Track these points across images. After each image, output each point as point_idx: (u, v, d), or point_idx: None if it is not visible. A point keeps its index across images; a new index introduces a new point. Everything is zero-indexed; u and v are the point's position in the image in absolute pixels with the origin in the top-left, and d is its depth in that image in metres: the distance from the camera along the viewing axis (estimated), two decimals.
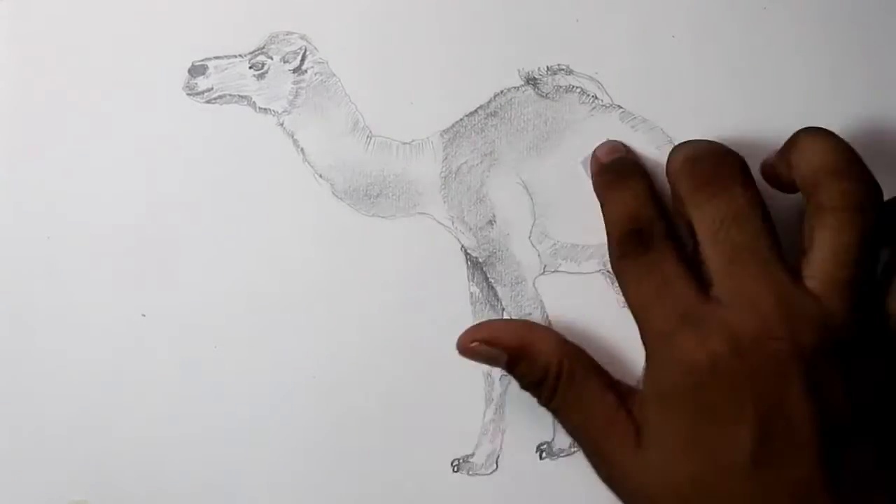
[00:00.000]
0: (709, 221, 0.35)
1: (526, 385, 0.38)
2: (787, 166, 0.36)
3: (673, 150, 0.38)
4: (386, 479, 0.42)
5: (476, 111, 0.42)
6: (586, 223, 0.42)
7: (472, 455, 0.42)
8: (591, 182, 0.41)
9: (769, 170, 0.38)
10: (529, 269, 0.42)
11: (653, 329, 0.35)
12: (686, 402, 0.33)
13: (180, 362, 0.42)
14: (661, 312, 0.35)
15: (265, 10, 0.43)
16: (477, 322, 0.40)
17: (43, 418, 0.42)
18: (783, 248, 0.35)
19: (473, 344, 0.38)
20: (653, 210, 0.37)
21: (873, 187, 0.34)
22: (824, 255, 0.33)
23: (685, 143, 0.39)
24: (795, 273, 0.34)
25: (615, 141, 0.41)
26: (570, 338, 0.40)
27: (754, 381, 0.32)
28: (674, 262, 0.35)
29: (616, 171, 0.40)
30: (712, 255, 0.34)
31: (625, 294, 0.37)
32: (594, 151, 0.41)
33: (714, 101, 0.42)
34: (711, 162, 0.36)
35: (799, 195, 0.37)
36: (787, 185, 0.37)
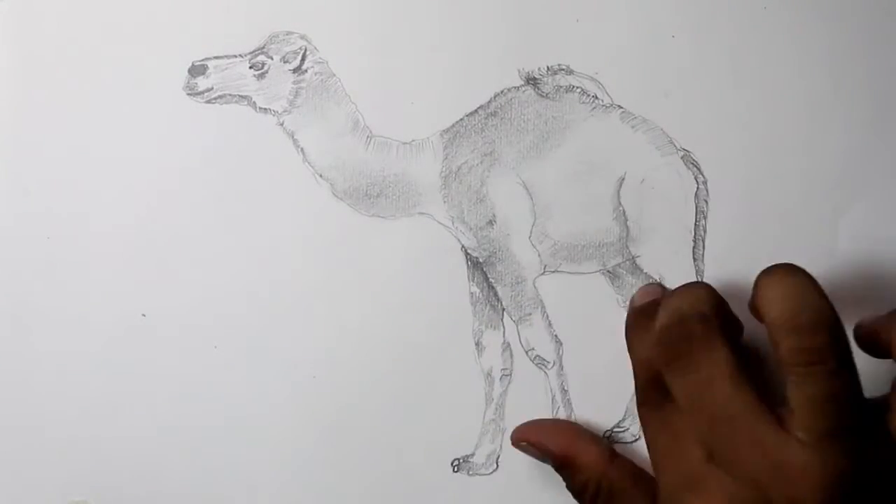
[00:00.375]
0: (685, 396, 0.35)
1: (569, 488, 0.39)
2: (879, 334, 0.36)
3: (661, 306, 0.37)
4: (386, 479, 0.42)
5: (476, 111, 0.42)
6: (586, 223, 0.42)
7: (472, 455, 0.42)
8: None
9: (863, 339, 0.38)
10: (529, 269, 0.42)
11: (663, 485, 0.36)
12: None
13: (180, 362, 0.42)
14: (671, 470, 0.35)
15: (265, 10, 0.43)
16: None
17: (43, 418, 0.42)
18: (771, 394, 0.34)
19: (522, 444, 0.40)
20: None
21: (830, 336, 0.33)
22: (799, 409, 0.33)
23: (666, 299, 0.37)
24: (782, 422, 0.33)
25: (653, 285, 0.41)
26: (570, 337, 0.40)
27: None
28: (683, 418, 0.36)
29: (647, 314, 0.38)
30: (697, 425, 0.34)
31: (646, 440, 0.38)
32: (632, 296, 0.40)
33: (714, 100, 0.42)
34: (678, 332, 0.35)
35: None
36: (880, 352, 0.37)
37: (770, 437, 0.33)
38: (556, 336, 0.42)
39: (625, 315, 0.40)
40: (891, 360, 0.36)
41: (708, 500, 0.33)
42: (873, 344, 0.37)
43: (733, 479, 0.33)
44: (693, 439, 0.35)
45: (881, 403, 0.35)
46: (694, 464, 0.34)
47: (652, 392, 0.37)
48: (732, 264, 0.42)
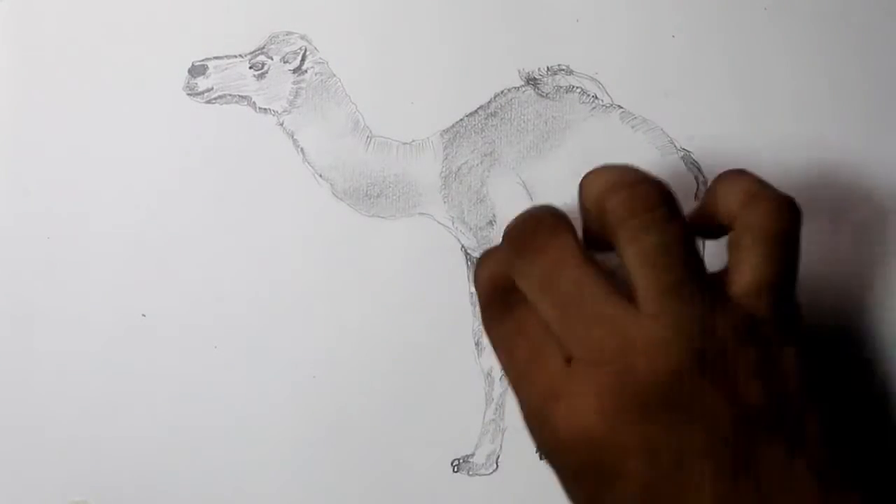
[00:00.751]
0: (536, 284, 0.34)
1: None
2: (711, 209, 0.36)
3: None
4: (386, 479, 0.42)
5: (476, 111, 0.42)
6: None
7: (472, 455, 0.42)
8: None
9: (695, 222, 0.37)
10: None
11: (526, 402, 0.34)
12: (573, 475, 0.33)
13: (180, 362, 0.42)
14: (531, 382, 0.34)
15: (265, 10, 0.43)
16: (477, 322, 0.40)
17: (43, 418, 0.42)
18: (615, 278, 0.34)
19: None
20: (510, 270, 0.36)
21: (655, 187, 0.33)
22: (635, 269, 0.33)
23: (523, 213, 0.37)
24: (630, 300, 0.33)
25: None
26: None
27: (627, 436, 0.32)
28: (536, 322, 0.35)
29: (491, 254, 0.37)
30: (550, 314, 0.34)
31: (501, 363, 0.36)
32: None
33: (714, 101, 0.42)
34: (526, 224, 0.35)
35: None
36: (714, 230, 0.37)
37: (619, 312, 0.32)
38: None
39: None
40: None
41: (572, 403, 0.32)
42: (708, 221, 0.36)
43: (593, 370, 0.32)
44: (548, 343, 0.34)
45: (719, 274, 0.35)
46: (553, 371, 0.33)
47: (498, 304, 0.36)
48: None
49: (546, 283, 0.34)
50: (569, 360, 0.33)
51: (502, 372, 0.39)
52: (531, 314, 0.34)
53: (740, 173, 0.36)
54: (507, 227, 0.36)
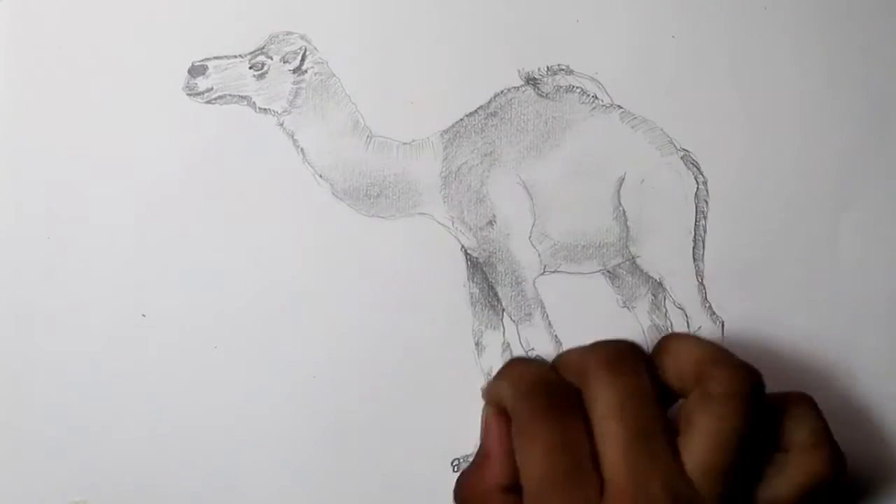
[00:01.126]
0: (616, 397, 0.34)
1: None
2: (662, 377, 0.36)
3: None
4: (386, 479, 0.42)
5: (476, 111, 0.42)
6: (586, 223, 0.42)
7: (472, 455, 0.42)
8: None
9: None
10: (529, 269, 0.42)
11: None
12: None
13: (180, 362, 0.42)
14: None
15: (265, 10, 0.43)
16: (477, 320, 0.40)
17: (43, 418, 0.42)
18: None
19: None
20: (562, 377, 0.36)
21: (756, 373, 0.34)
22: (705, 441, 0.33)
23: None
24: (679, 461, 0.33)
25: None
26: (570, 337, 0.40)
27: None
28: (584, 439, 0.34)
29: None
30: (615, 431, 0.34)
31: (523, 462, 0.34)
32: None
33: (714, 101, 0.42)
34: (617, 348, 0.35)
35: None
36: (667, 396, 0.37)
37: (675, 465, 0.33)
38: (556, 336, 0.42)
39: (625, 315, 0.40)
40: None
41: None
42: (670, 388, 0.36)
43: (630, 498, 0.33)
44: (589, 464, 0.33)
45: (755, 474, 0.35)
46: (589, 498, 0.33)
47: (548, 403, 0.35)
48: (732, 264, 0.42)
49: (623, 408, 0.34)
50: (600, 489, 0.33)
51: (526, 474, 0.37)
52: (581, 429, 0.34)
53: (694, 338, 0.36)
54: (593, 345, 0.36)
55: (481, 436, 0.37)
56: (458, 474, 0.37)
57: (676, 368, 0.35)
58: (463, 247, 0.42)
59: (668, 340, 0.36)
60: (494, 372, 0.42)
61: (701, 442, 0.33)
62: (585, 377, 0.34)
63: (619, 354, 0.35)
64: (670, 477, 0.33)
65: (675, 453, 0.33)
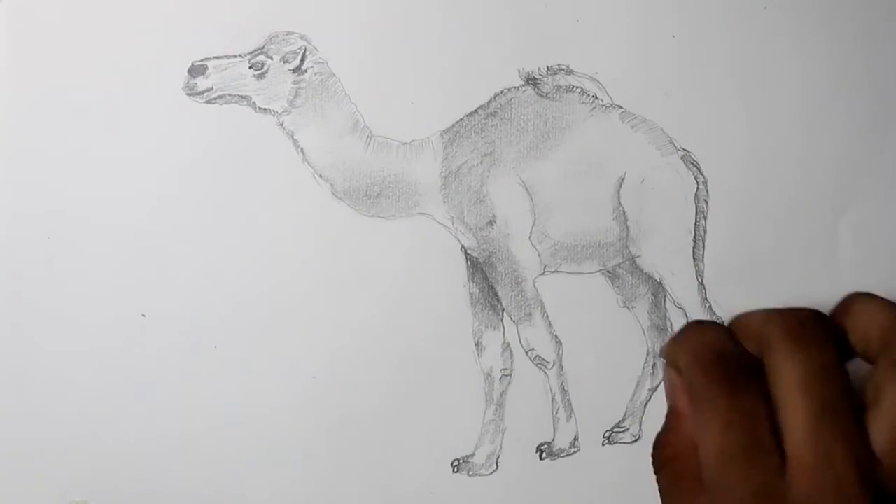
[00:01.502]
0: (801, 371, 0.33)
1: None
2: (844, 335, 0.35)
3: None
4: (386, 479, 0.42)
5: (476, 111, 0.42)
6: (586, 223, 0.42)
7: (472, 455, 0.42)
8: None
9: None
10: (529, 270, 0.42)
11: (730, 498, 0.34)
12: None
13: (180, 362, 0.42)
14: (740, 481, 0.33)
15: (265, 10, 0.43)
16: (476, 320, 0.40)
17: (43, 418, 0.42)
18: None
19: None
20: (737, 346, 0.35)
21: None
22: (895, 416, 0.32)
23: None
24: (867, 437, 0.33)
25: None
26: (570, 337, 0.40)
27: None
28: (764, 412, 0.33)
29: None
30: (799, 406, 0.33)
31: (700, 435, 0.35)
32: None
33: (714, 101, 0.42)
34: (801, 316, 0.35)
35: None
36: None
37: (864, 442, 0.32)
38: (556, 336, 0.42)
39: (624, 314, 0.40)
40: None
41: None
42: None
43: (818, 479, 0.32)
44: (770, 437, 0.33)
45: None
46: (771, 470, 0.32)
47: (726, 375, 0.34)
48: (732, 264, 0.42)
49: (807, 383, 0.33)
50: (782, 466, 0.32)
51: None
52: (761, 403, 0.33)
53: (882, 301, 0.34)
54: (775, 312, 0.35)
55: (667, 395, 0.36)
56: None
57: (861, 333, 0.34)
58: (463, 247, 0.42)
59: (852, 302, 0.35)
60: (494, 372, 0.42)
61: (892, 417, 0.32)
62: (768, 347, 0.33)
63: (803, 324, 0.33)
64: (858, 455, 0.32)
65: (863, 429, 0.33)
